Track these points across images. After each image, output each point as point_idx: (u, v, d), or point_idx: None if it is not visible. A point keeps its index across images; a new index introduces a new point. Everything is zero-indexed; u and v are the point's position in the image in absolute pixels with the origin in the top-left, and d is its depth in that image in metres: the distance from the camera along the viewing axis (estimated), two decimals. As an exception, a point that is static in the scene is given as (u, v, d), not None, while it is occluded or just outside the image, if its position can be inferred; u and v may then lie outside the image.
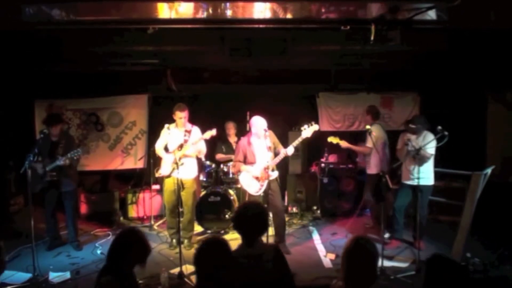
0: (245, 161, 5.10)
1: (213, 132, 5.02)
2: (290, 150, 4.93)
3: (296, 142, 4.91)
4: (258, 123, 4.99)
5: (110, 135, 6.78)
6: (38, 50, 5.17)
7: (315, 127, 4.93)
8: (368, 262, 2.21)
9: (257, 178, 4.99)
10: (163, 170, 5.20)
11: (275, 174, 5.01)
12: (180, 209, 5.19)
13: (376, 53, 5.46)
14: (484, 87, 6.31)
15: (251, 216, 2.78)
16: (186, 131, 5.11)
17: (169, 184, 5.16)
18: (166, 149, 5.24)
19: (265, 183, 4.95)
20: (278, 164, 5.07)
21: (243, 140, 5.16)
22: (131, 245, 2.59)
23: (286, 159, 6.52)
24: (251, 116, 5.24)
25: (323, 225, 6.27)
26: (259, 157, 5.02)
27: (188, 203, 5.23)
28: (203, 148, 5.23)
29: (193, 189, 5.27)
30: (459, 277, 2.18)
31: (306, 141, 6.79)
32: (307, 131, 4.89)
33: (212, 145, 6.08)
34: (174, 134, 5.16)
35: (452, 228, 5.12)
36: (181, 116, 5.06)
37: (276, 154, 5.03)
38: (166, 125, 5.13)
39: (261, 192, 5.00)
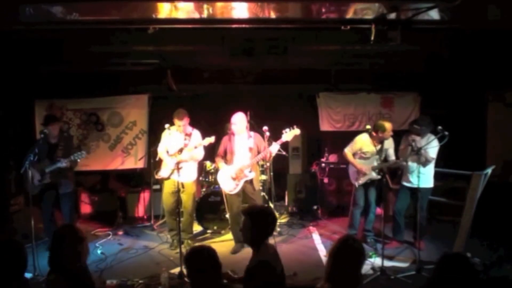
0: (225, 156, 5.12)
1: (211, 139, 5.01)
2: (274, 148, 4.92)
3: (276, 146, 4.87)
4: (232, 119, 5.02)
5: (111, 135, 6.78)
6: (38, 50, 5.17)
7: (296, 131, 4.86)
8: (354, 262, 2.20)
9: (233, 177, 5.00)
10: (163, 173, 5.19)
11: (251, 175, 5.00)
12: (180, 209, 5.19)
13: (376, 53, 5.45)
14: (484, 87, 6.31)
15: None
16: (186, 134, 5.10)
17: (168, 187, 5.15)
18: (167, 152, 5.23)
19: (241, 183, 5.01)
20: (278, 163, 5.07)
21: (227, 136, 5.19)
22: (64, 242, 2.54)
23: (286, 158, 6.55)
24: (251, 116, 5.26)
25: (323, 225, 6.28)
26: (238, 156, 5.05)
27: (187, 205, 5.21)
28: (198, 155, 5.18)
29: (193, 191, 5.26)
30: (471, 278, 2.15)
31: (306, 141, 6.90)
32: (288, 135, 4.84)
33: (211, 147, 6.08)
34: (175, 137, 5.15)
35: (452, 228, 5.12)
36: (179, 124, 5.05)
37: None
38: (167, 125, 5.13)
39: (235, 192, 5.04)
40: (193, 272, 2.38)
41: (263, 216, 2.84)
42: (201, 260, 2.36)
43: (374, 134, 4.98)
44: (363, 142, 5.09)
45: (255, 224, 2.77)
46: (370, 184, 5.20)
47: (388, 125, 4.94)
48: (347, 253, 2.21)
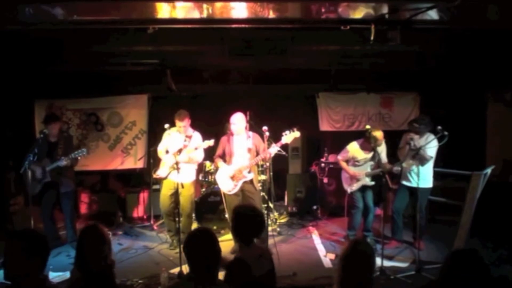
0: (224, 157, 5.12)
1: (210, 142, 4.99)
2: (273, 150, 4.91)
3: (275, 148, 4.87)
4: (231, 119, 5.01)
5: (110, 135, 6.78)
6: (38, 50, 5.17)
7: (295, 134, 4.85)
8: (365, 267, 2.19)
9: (231, 177, 5.00)
10: (161, 172, 5.19)
11: (250, 176, 5.00)
12: (179, 211, 5.18)
13: (376, 53, 5.45)
14: (484, 87, 6.31)
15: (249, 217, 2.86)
16: (187, 136, 5.09)
17: (166, 189, 5.14)
18: (167, 152, 5.23)
19: (240, 183, 4.99)
20: (278, 164, 5.07)
21: (225, 136, 5.19)
22: (87, 242, 2.47)
23: (286, 158, 6.54)
24: (250, 116, 5.25)
25: (323, 225, 6.27)
26: (236, 157, 5.04)
27: (185, 207, 5.16)
28: (198, 157, 5.16)
29: (190, 193, 5.22)
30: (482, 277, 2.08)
31: (306, 141, 6.90)
32: (287, 137, 4.83)
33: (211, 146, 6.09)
34: (175, 138, 5.14)
35: (452, 228, 5.11)
36: (180, 125, 5.03)
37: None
38: (166, 126, 5.12)
39: (234, 192, 5.03)
40: (192, 254, 2.32)
41: (249, 215, 2.89)
42: (200, 240, 2.33)
43: (367, 143, 5.02)
44: (355, 150, 5.16)
45: (240, 221, 2.86)
46: (366, 186, 5.23)
47: (379, 135, 4.95)
48: (358, 257, 2.18)
